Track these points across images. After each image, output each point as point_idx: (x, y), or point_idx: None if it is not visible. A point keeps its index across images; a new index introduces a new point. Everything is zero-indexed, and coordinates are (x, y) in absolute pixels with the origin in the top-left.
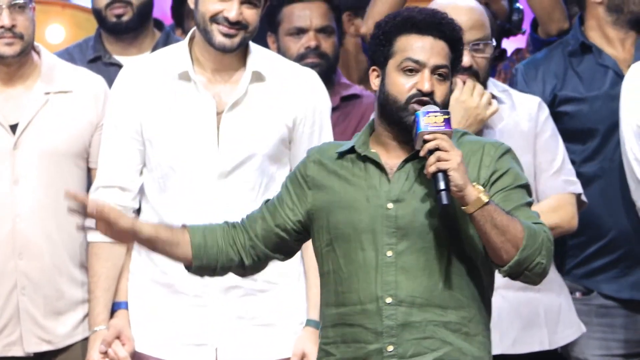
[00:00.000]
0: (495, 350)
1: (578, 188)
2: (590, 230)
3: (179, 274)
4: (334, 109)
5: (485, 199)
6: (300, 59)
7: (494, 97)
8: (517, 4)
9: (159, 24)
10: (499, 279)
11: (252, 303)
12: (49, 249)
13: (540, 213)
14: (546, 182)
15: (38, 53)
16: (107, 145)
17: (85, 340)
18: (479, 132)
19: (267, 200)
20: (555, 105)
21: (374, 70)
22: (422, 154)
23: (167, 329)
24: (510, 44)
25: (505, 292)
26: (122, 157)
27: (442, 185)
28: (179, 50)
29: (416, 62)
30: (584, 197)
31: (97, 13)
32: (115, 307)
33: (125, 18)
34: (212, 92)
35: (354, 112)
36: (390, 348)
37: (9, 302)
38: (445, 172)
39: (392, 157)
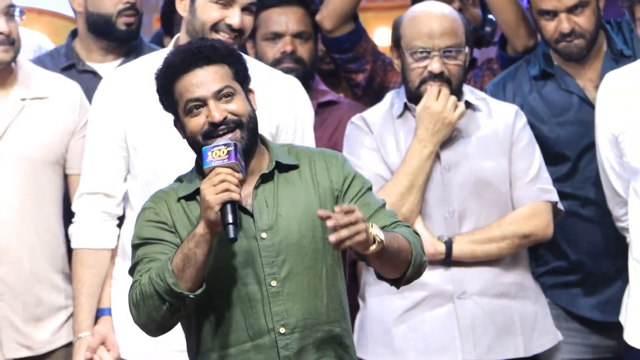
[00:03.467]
0: (469, 357)
1: (554, 196)
2: (559, 246)
3: None
4: None
5: (382, 237)
6: (276, 63)
7: (469, 104)
8: (490, 16)
9: None
10: (474, 285)
11: None
12: (27, 255)
13: (515, 221)
14: (522, 190)
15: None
16: (92, 151)
17: (68, 346)
18: (452, 137)
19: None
20: None
21: (176, 123)
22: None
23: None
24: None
25: (479, 299)
26: (107, 163)
27: (230, 219)
28: (162, 57)
29: (196, 99)
30: (560, 206)
31: (102, 19)
32: (99, 314)
33: (134, 27)
34: None
35: (331, 119)
36: None
37: None
38: (233, 203)
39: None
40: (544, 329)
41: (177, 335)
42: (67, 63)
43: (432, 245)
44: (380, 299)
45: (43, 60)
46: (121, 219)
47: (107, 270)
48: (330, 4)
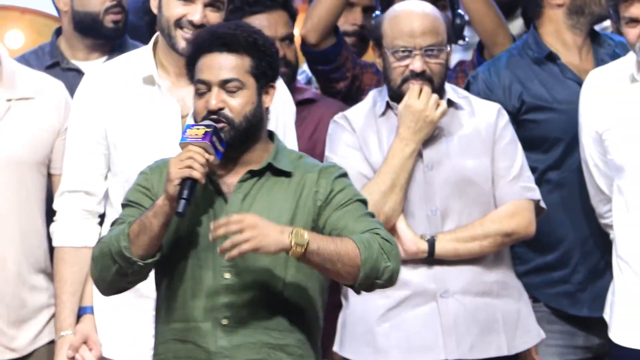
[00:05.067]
0: (452, 356)
1: (536, 194)
2: (544, 240)
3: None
4: None
5: (303, 240)
6: None
7: (451, 103)
8: (460, 10)
9: None
10: (456, 284)
11: None
12: (12, 257)
13: (497, 219)
14: (504, 188)
15: None
16: (72, 149)
17: (50, 343)
18: (434, 135)
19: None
20: (521, 113)
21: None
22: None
23: (133, 333)
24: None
25: (462, 298)
26: (87, 161)
27: (184, 194)
28: (143, 55)
29: (203, 82)
30: (542, 204)
31: (88, 17)
32: (81, 312)
33: (120, 24)
34: (176, 97)
35: (310, 117)
36: None
37: None
38: (194, 181)
39: (230, 176)
40: (526, 327)
41: None
42: (51, 61)
43: (415, 244)
44: (363, 298)
45: (28, 58)
46: (102, 216)
47: (88, 268)
48: (313, 18)
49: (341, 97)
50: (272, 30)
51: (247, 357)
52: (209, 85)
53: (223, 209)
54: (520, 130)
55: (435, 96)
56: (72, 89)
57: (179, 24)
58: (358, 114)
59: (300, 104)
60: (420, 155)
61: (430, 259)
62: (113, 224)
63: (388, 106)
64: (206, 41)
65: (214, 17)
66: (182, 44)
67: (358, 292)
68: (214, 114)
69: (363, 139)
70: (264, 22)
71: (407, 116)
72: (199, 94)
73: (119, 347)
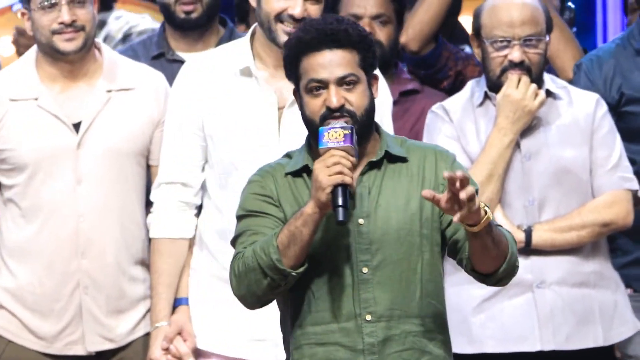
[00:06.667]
0: (548, 346)
1: (635, 185)
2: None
3: None
4: (394, 104)
5: (489, 216)
6: None
7: (550, 93)
8: (569, 3)
9: (222, 21)
10: (553, 274)
11: None
12: (112, 248)
13: (595, 209)
14: (602, 178)
15: (99, 49)
16: (169, 141)
17: (146, 335)
18: (532, 126)
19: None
20: (621, 105)
21: (295, 92)
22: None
23: (227, 325)
24: None
25: (559, 289)
26: (184, 153)
27: (340, 201)
28: (240, 47)
29: (319, 81)
30: None
31: (164, 8)
32: (176, 303)
33: (194, 15)
34: (273, 88)
35: (413, 108)
36: None
37: (71, 301)
38: (345, 186)
39: None
40: (623, 318)
41: (253, 325)
42: (157, 52)
43: (512, 234)
44: (458, 288)
45: (135, 48)
46: (199, 208)
47: (184, 259)
48: (416, 25)
49: (446, 91)
50: (362, 8)
51: (394, 349)
52: (325, 84)
53: (351, 205)
54: (620, 122)
55: (533, 86)
56: None
57: (279, 18)
58: (456, 104)
59: (404, 95)
60: (518, 145)
61: (527, 249)
62: (236, 239)
63: (486, 96)
64: (314, 39)
65: (314, 10)
66: (283, 38)
67: (489, 284)
68: (336, 112)
69: (461, 129)
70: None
71: (506, 106)
72: (313, 94)
73: (214, 339)
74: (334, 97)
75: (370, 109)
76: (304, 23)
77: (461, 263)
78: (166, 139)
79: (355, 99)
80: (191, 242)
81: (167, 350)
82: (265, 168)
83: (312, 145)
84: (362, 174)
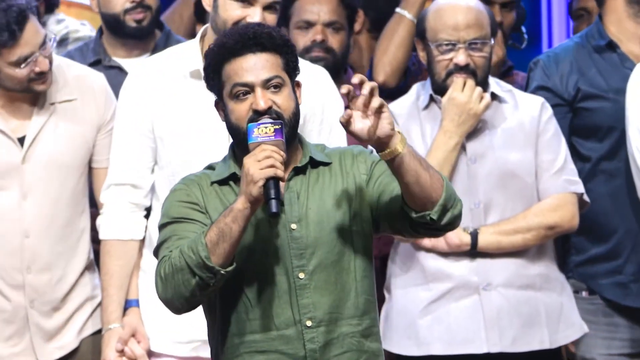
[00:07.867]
0: (494, 348)
1: (580, 188)
2: (598, 230)
3: None
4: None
5: (405, 137)
6: (305, 52)
7: (495, 96)
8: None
9: (159, 24)
10: (499, 277)
11: None
12: (57, 260)
13: (541, 212)
14: (547, 182)
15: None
16: (119, 143)
17: (94, 334)
18: (478, 129)
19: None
20: (577, 100)
21: (217, 103)
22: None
23: (178, 326)
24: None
25: (505, 291)
26: (134, 155)
27: (272, 194)
28: (189, 49)
29: (244, 84)
30: (586, 197)
31: (112, 18)
32: (127, 305)
33: (145, 23)
34: None
35: None
36: None
37: (17, 315)
38: (277, 180)
39: None
40: (569, 320)
41: (203, 325)
42: (94, 58)
43: (458, 236)
44: (405, 291)
45: (72, 55)
46: (148, 210)
47: (135, 261)
48: (391, 63)
49: None
50: (315, 14)
51: (333, 352)
52: (251, 87)
53: (281, 210)
54: (576, 118)
55: (479, 89)
56: (114, 86)
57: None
58: (401, 107)
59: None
60: (463, 148)
61: (473, 251)
62: (160, 246)
63: (431, 99)
64: (238, 43)
65: (272, 19)
66: None
67: (433, 218)
68: (264, 114)
69: (406, 131)
70: (310, 6)
71: (451, 109)
72: (239, 100)
73: (165, 340)
74: (260, 99)
75: (297, 112)
76: (224, 30)
77: (404, 221)
78: (115, 140)
79: (282, 101)
80: (141, 243)
81: (121, 352)
82: (190, 177)
83: (237, 155)
84: (289, 180)
